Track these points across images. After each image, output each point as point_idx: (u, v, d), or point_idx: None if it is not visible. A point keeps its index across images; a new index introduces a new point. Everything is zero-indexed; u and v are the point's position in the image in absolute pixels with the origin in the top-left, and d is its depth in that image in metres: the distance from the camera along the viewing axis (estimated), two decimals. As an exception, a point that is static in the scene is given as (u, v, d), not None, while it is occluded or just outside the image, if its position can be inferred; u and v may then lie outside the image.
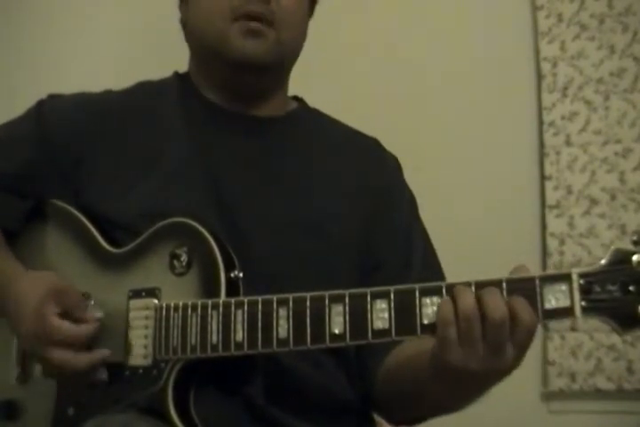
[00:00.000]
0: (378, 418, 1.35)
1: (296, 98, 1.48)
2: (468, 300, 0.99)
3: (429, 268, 1.37)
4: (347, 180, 1.37)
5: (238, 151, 1.34)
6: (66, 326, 1.17)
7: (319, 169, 1.37)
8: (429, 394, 1.14)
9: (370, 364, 1.28)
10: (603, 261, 0.98)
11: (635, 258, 0.96)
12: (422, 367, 1.10)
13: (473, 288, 1.01)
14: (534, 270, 1.03)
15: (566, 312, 0.98)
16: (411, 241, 1.38)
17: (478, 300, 0.99)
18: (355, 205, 1.35)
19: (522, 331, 0.98)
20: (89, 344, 1.18)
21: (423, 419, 1.28)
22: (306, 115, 1.46)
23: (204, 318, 1.14)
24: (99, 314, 1.20)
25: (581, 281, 0.98)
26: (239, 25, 1.30)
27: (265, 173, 1.33)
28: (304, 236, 1.29)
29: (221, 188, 1.29)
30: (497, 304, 0.98)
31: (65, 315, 1.18)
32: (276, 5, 1.31)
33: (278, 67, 1.37)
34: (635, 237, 0.96)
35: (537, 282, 0.99)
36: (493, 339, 0.98)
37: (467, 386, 1.07)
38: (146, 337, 1.18)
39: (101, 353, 1.18)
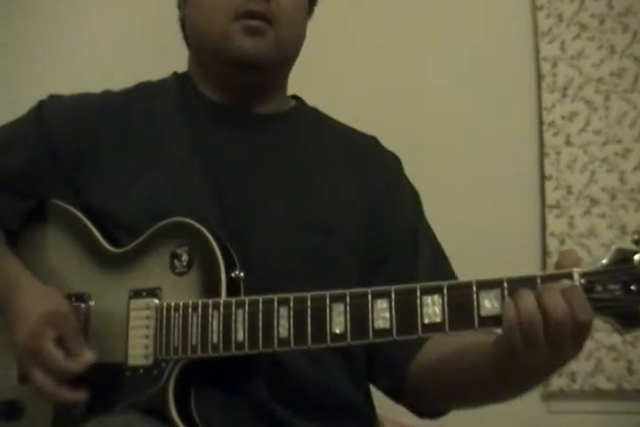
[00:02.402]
0: (380, 417, 1.36)
1: (295, 97, 1.48)
2: (529, 303, 0.98)
3: (438, 264, 1.37)
4: (347, 178, 1.37)
5: (238, 150, 1.33)
6: (57, 356, 1.16)
7: (319, 167, 1.37)
8: (482, 386, 1.15)
9: (400, 358, 1.27)
10: (604, 261, 0.98)
11: (636, 258, 0.96)
12: (479, 361, 1.10)
13: (474, 288, 1.01)
14: (534, 270, 1.03)
15: (568, 311, 0.98)
16: (416, 237, 1.38)
17: (538, 299, 0.99)
18: (355, 204, 1.35)
19: (579, 326, 0.98)
20: (74, 381, 1.17)
21: (451, 410, 1.30)
22: (305, 113, 1.46)
23: (204, 317, 1.13)
24: (92, 357, 1.18)
25: (583, 280, 0.98)
26: (239, 23, 1.30)
27: (265, 171, 1.33)
28: (305, 234, 1.29)
29: (221, 187, 1.29)
30: (557, 304, 0.97)
31: (60, 342, 1.17)
32: (275, 5, 1.31)
33: (278, 65, 1.37)
34: (636, 237, 0.96)
35: (538, 281, 0.99)
36: (555, 337, 0.98)
37: (527, 379, 1.09)
38: (146, 337, 1.18)
39: (80, 396, 1.17)
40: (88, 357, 1.17)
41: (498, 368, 1.07)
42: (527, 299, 0.98)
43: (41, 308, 1.19)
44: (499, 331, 1.02)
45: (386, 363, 1.30)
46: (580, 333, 0.99)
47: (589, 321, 0.98)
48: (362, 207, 1.35)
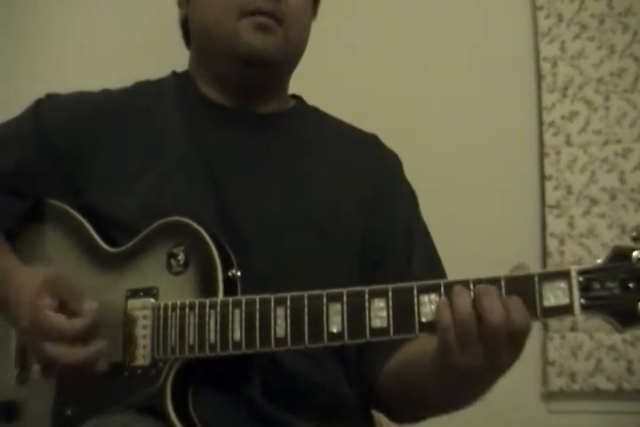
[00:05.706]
0: (377, 415, 1.35)
1: (294, 96, 1.48)
2: (464, 303, 0.99)
3: (431, 265, 1.37)
4: (347, 177, 1.37)
5: (238, 149, 1.33)
6: (60, 319, 1.15)
7: (319, 166, 1.37)
8: (433, 394, 1.15)
9: (371, 366, 1.28)
10: (602, 259, 0.97)
11: (634, 254, 0.95)
12: (425, 368, 1.11)
13: (471, 286, 1.01)
14: (534, 270, 1.02)
15: (565, 310, 0.98)
16: (412, 237, 1.38)
17: (476, 301, 0.99)
18: (355, 202, 1.35)
19: (516, 332, 0.98)
20: (86, 338, 1.16)
21: (425, 417, 1.29)
22: (305, 112, 1.46)
23: (201, 317, 1.13)
24: (94, 305, 1.17)
25: (580, 278, 0.97)
26: (249, 20, 1.30)
27: (265, 170, 1.33)
28: (304, 234, 1.29)
29: (221, 186, 1.29)
30: (493, 306, 0.98)
31: (61, 308, 1.17)
32: (284, 4, 1.31)
33: (283, 64, 1.37)
34: (634, 234, 0.96)
35: (536, 280, 0.99)
36: (491, 340, 0.99)
37: (469, 384, 1.08)
38: (144, 337, 1.17)
39: (96, 346, 1.16)
40: (89, 306, 1.17)
41: (438, 373, 1.07)
42: (462, 299, 0.99)
43: (33, 282, 1.18)
44: None
45: (359, 374, 1.29)
46: (517, 338, 0.99)
47: (526, 327, 0.99)
48: (360, 206, 1.35)
